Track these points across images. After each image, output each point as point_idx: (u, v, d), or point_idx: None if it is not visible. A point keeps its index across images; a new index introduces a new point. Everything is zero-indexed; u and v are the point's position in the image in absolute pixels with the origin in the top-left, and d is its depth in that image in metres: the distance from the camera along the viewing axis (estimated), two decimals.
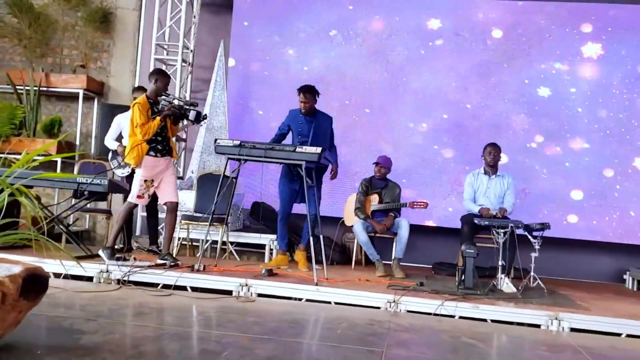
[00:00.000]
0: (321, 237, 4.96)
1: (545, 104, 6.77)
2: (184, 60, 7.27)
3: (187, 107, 5.05)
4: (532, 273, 5.05)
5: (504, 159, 6.13)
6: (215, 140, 5.04)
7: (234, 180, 5.24)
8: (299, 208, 5.62)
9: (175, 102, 5.08)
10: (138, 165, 4.95)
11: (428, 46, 6.97)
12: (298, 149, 4.77)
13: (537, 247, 4.96)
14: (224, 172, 5.09)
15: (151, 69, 7.30)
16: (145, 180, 5.01)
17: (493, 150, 5.70)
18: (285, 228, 5.50)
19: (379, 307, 4.39)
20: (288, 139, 5.57)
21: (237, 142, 4.88)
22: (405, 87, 6.97)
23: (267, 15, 7.25)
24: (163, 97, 5.05)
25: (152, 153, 4.98)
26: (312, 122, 5.36)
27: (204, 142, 6.73)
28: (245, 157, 4.89)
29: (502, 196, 5.67)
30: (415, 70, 6.97)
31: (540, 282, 5.02)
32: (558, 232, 6.32)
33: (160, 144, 5.04)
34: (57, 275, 4.68)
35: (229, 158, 5.03)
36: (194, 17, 7.44)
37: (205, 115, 5.28)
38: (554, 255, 6.38)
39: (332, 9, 7.15)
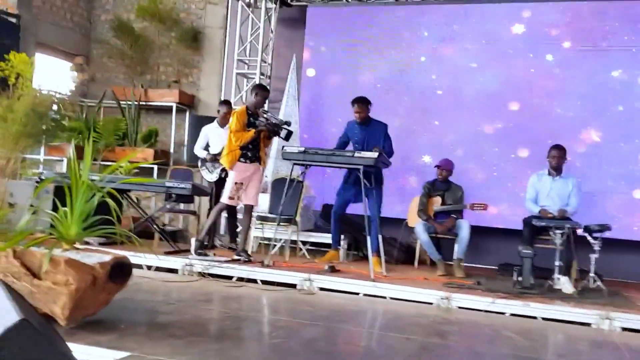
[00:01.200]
0: (380, 236, 5.30)
1: (609, 105, 6.68)
2: (262, 73, 7.87)
3: (282, 126, 5.57)
4: (591, 274, 5.08)
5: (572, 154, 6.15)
6: (282, 147, 5.54)
7: (301, 183, 5.70)
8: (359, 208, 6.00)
9: (272, 120, 5.61)
10: (231, 168, 5.53)
11: (492, 49, 7.08)
12: (356, 154, 5.17)
13: (596, 248, 5.00)
14: (290, 176, 5.57)
15: (234, 83, 7.99)
16: (236, 183, 5.59)
17: (557, 153, 5.72)
18: (336, 227, 5.92)
19: (431, 303, 4.65)
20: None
21: (302, 149, 5.35)
22: (469, 91, 7.11)
23: (336, 28, 7.66)
24: (262, 112, 5.62)
25: (242, 159, 5.56)
26: (365, 130, 5.75)
27: (277, 148, 7.26)
28: (309, 163, 5.36)
29: (567, 197, 5.69)
30: (479, 74, 7.09)
31: (600, 283, 5.04)
32: (629, 235, 6.24)
33: (251, 152, 5.60)
34: (149, 268, 5.37)
35: (294, 163, 5.50)
36: (271, 32, 8.03)
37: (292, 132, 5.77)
38: (626, 257, 6.31)
39: (396, 17, 7.45)
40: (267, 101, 7.36)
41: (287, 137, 5.56)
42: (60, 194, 3.69)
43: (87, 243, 5.27)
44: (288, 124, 5.60)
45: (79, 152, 8.06)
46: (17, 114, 4.30)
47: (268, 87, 5.87)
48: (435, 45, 7.30)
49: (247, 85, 8.05)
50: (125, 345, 2.87)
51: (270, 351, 3.02)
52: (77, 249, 3.53)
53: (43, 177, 6.07)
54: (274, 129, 5.53)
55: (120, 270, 3.44)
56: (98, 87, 9.20)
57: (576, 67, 6.82)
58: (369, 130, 5.80)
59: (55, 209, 3.57)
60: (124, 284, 3.50)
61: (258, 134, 5.52)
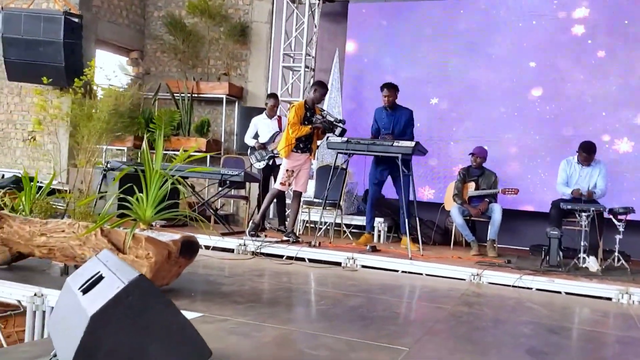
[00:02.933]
0: (417, 219, 5.75)
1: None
2: (306, 66, 8.35)
3: (336, 123, 6.04)
4: (615, 253, 5.41)
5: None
6: (327, 137, 6.03)
7: (344, 170, 6.19)
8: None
9: (329, 118, 6.09)
10: (286, 157, 6.07)
11: (528, 41, 7.36)
12: (395, 144, 5.61)
13: (621, 229, 5.32)
14: (334, 164, 6.06)
15: (280, 75, 8.50)
16: (287, 170, 6.12)
17: (587, 155, 5.87)
18: (372, 212, 6.39)
19: (463, 279, 5.09)
20: None
21: (345, 139, 5.83)
22: (505, 81, 7.43)
23: (376, 22, 8.07)
24: (320, 110, 6.12)
25: (294, 150, 6.08)
26: (392, 115, 6.22)
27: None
28: (352, 151, 5.84)
29: (595, 183, 5.97)
30: (515, 66, 7.40)
31: (624, 262, 5.37)
32: None
33: (303, 143, 6.11)
34: (207, 247, 5.97)
35: (337, 152, 5.98)
36: (315, 27, 8.48)
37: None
38: None
39: (435, 11, 7.80)
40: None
41: (341, 134, 5.98)
42: (125, 181, 4.24)
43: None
44: (343, 122, 6.05)
45: (138, 141, 8.74)
46: (102, 114, 4.92)
47: (327, 85, 6.32)
48: (473, 37, 7.61)
49: (292, 78, 8.55)
50: (197, 309, 3.43)
51: (317, 315, 3.55)
52: (151, 228, 4.12)
53: (109, 166, 6.73)
54: (330, 126, 6.00)
55: (189, 247, 3.99)
56: (152, 81, 9.86)
57: (604, 58, 7.05)
58: (395, 115, 6.23)
59: (124, 193, 4.12)
60: (192, 259, 4.06)
61: (314, 130, 6.02)
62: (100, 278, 2.20)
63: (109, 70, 8.19)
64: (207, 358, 2.18)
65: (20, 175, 7.86)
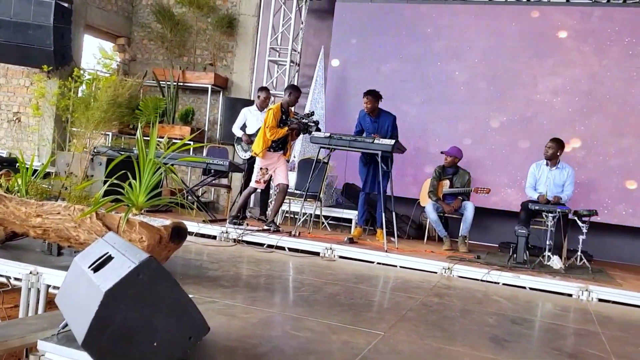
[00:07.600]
0: (394, 213, 6.04)
1: (606, 101, 7.31)
2: (292, 61, 8.56)
3: (311, 124, 6.31)
4: (579, 253, 5.78)
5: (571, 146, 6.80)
6: (311, 132, 6.27)
7: (325, 164, 6.45)
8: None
9: (304, 120, 6.35)
10: (261, 156, 6.31)
11: (504, 46, 7.70)
12: (376, 141, 5.88)
13: (584, 230, 5.69)
14: (317, 158, 6.31)
15: (265, 68, 8.69)
16: (261, 168, 6.36)
17: (550, 145, 6.28)
18: (364, 206, 6.68)
19: (435, 272, 5.40)
20: None
21: (328, 134, 6.09)
22: (481, 85, 7.77)
23: (361, 22, 8.31)
24: (294, 114, 6.39)
25: (268, 149, 6.32)
26: (376, 122, 6.48)
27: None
28: (334, 146, 6.09)
29: (562, 186, 6.33)
30: (489, 70, 7.75)
31: (585, 261, 5.74)
32: (621, 220, 6.92)
33: (275, 143, 6.36)
34: (190, 233, 6.16)
35: (320, 147, 6.24)
36: (302, 22, 8.69)
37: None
38: (619, 241, 6.99)
39: (418, 14, 8.08)
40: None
41: (317, 132, 6.28)
42: (114, 166, 4.39)
43: None
44: (317, 123, 6.31)
45: (123, 127, 8.82)
46: (101, 103, 5.08)
47: (300, 88, 6.61)
48: (451, 41, 7.92)
49: (277, 72, 8.75)
50: (187, 290, 3.62)
51: (300, 300, 3.80)
52: (142, 214, 4.32)
53: (96, 151, 6.88)
54: (305, 127, 6.28)
55: (179, 233, 4.20)
56: (138, 67, 9.97)
57: (577, 65, 7.43)
58: (379, 121, 6.50)
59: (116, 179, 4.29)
60: (180, 244, 4.26)
61: (290, 131, 6.27)
62: (110, 258, 2.42)
63: (94, 55, 8.32)
64: (205, 333, 2.43)
65: (4, 156, 7.97)
